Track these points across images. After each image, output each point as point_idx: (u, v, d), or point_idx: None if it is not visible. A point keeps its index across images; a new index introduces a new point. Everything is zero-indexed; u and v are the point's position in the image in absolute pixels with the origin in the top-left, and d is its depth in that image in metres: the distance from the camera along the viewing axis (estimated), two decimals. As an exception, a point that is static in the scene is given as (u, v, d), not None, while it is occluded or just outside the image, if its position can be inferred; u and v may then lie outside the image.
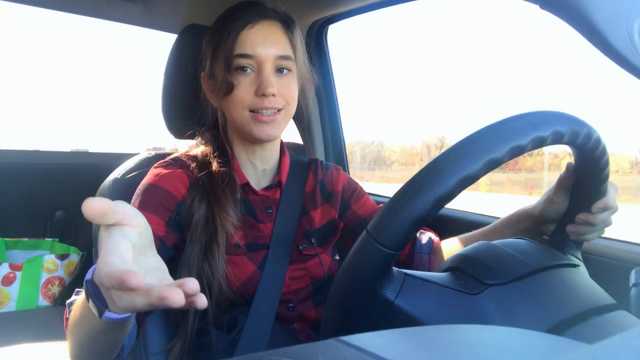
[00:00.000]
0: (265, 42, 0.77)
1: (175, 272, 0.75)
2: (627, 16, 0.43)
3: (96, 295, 0.47)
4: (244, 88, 0.77)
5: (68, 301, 0.63)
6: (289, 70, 0.80)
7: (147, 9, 1.29)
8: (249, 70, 0.77)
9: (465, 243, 0.85)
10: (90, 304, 0.47)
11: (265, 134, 0.79)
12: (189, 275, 0.73)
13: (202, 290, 0.71)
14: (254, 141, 0.83)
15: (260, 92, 0.76)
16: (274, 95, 0.76)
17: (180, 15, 1.34)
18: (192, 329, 0.75)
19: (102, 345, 0.56)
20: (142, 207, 0.74)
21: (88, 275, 0.50)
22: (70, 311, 0.61)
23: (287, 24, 0.82)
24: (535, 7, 0.47)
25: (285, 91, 0.79)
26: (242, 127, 0.80)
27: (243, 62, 0.77)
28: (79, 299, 0.59)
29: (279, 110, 0.79)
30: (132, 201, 0.76)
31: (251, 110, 0.78)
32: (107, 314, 0.46)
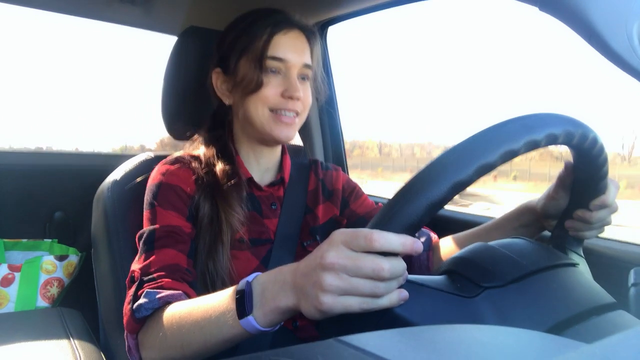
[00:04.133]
0: (295, 49, 0.82)
1: None
2: (626, 18, 0.43)
3: (249, 302, 0.53)
4: (271, 88, 0.80)
5: (141, 303, 0.65)
6: (308, 78, 0.85)
7: (147, 11, 1.29)
8: (276, 73, 0.81)
9: (465, 240, 0.85)
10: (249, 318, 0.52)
11: (284, 135, 0.82)
12: (195, 271, 0.74)
13: (205, 288, 0.72)
14: (270, 142, 0.85)
15: (288, 95, 0.80)
16: (298, 99, 0.80)
17: (180, 18, 1.34)
18: None
19: (215, 349, 0.58)
20: (162, 207, 0.75)
21: (250, 279, 0.55)
22: (147, 310, 0.64)
23: (310, 36, 0.87)
24: (534, 9, 0.47)
25: (305, 97, 0.83)
26: (261, 127, 0.81)
27: (274, 64, 0.80)
28: (186, 303, 0.62)
29: (297, 114, 0.82)
30: (148, 201, 0.77)
31: (272, 110, 0.81)
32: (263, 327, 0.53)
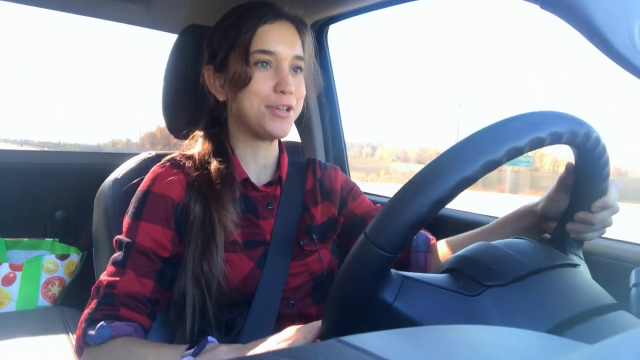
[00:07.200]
0: (285, 41, 0.80)
1: (176, 273, 0.76)
2: (627, 16, 0.43)
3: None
4: (262, 82, 0.79)
5: (92, 334, 0.68)
6: (301, 69, 0.83)
7: (147, 9, 1.29)
8: (267, 66, 0.79)
9: (464, 242, 0.84)
10: None
11: (280, 130, 0.81)
12: (187, 275, 0.74)
13: (201, 290, 0.72)
14: (265, 137, 0.84)
15: (280, 89, 0.78)
16: (291, 93, 0.79)
17: (180, 16, 1.34)
18: (192, 328, 0.74)
19: None
20: (148, 220, 0.75)
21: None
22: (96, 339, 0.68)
23: (300, 26, 0.85)
24: (536, 7, 0.47)
25: (298, 89, 0.81)
26: (256, 122, 0.81)
27: (263, 57, 0.79)
28: (136, 343, 0.67)
29: (291, 108, 0.81)
30: (132, 211, 0.77)
31: (267, 106, 0.79)
32: None
